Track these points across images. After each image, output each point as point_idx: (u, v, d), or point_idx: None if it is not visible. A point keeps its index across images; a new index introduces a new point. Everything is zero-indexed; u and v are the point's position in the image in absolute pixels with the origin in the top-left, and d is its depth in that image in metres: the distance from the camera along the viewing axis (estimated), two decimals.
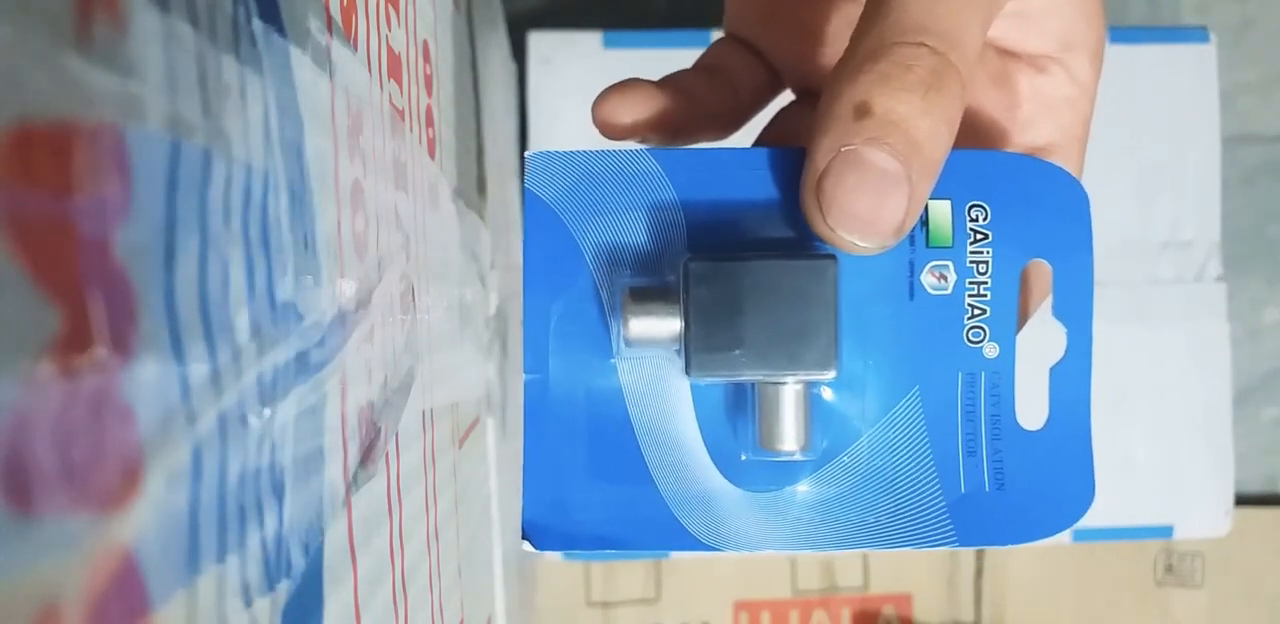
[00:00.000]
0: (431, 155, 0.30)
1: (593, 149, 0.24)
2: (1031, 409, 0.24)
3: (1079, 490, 0.24)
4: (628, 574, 0.81)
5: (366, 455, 0.20)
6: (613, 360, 0.24)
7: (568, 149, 0.23)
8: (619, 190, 0.23)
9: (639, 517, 0.23)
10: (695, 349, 0.22)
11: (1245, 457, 0.84)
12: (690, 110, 0.28)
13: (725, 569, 0.82)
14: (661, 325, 0.22)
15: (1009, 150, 0.26)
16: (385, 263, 0.22)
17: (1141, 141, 0.73)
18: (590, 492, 0.24)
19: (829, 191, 0.21)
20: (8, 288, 0.08)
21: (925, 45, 0.21)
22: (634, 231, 0.23)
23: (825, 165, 0.21)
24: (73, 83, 0.09)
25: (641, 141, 0.28)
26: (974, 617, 0.84)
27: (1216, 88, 0.75)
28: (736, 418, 0.24)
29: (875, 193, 0.21)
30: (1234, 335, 0.77)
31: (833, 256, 0.22)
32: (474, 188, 0.44)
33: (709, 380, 0.23)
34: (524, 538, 0.24)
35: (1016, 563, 0.83)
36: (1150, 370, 0.74)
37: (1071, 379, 0.24)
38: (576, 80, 0.73)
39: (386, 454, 0.21)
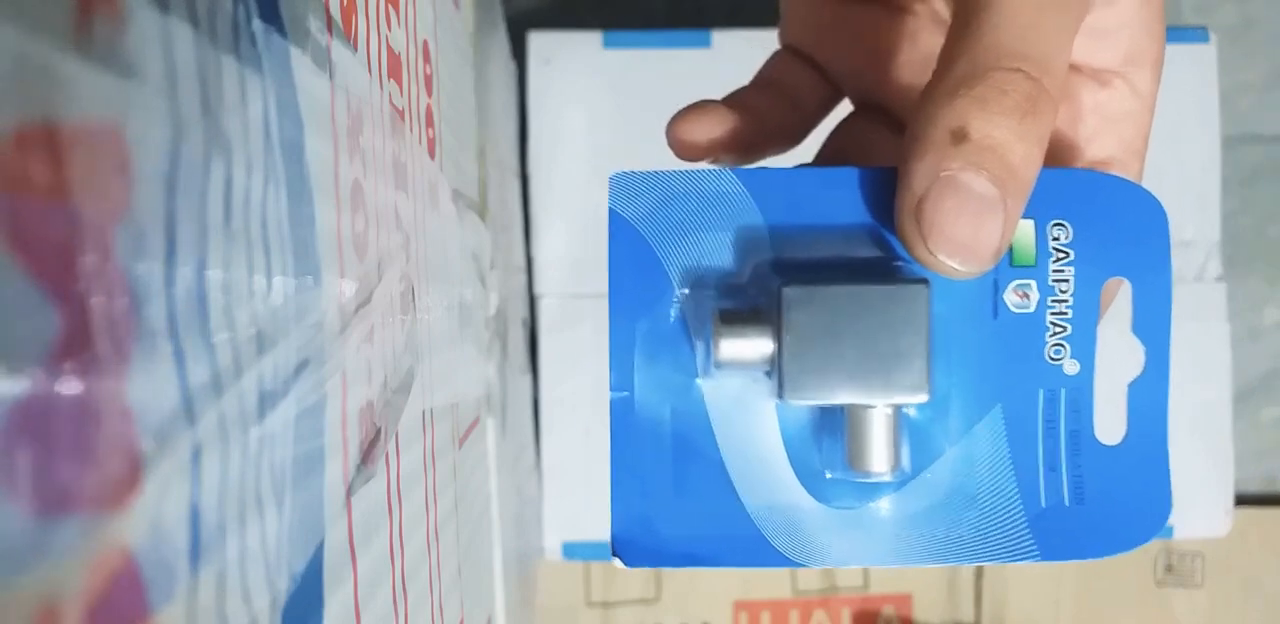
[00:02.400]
0: (431, 155, 0.30)
1: (676, 169, 0.24)
2: (1110, 424, 0.24)
3: (1157, 503, 0.24)
4: (628, 574, 0.81)
5: (366, 455, 0.20)
6: (698, 380, 0.24)
7: (650, 169, 0.24)
8: (702, 210, 0.24)
9: (725, 533, 0.24)
10: (790, 373, 0.22)
11: (1245, 457, 0.84)
12: (757, 127, 0.28)
13: (725, 569, 0.82)
14: (752, 348, 0.23)
15: (1074, 163, 0.26)
16: (385, 263, 0.22)
17: None
18: (677, 509, 0.24)
19: (929, 216, 0.21)
20: (8, 288, 0.08)
21: (1020, 70, 0.21)
22: (718, 251, 0.24)
23: (924, 190, 0.21)
24: (73, 83, 0.09)
25: (713, 161, 0.28)
26: (974, 617, 0.84)
27: (1216, 88, 0.75)
28: (822, 437, 0.24)
29: (974, 218, 0.21)
30: (1234, 335, 0.77)
31: (925, 281, 0.23)
32: (474, 188, 0.44)
33: (802, 404, 0.23)
34: (614, 554, 0.24)
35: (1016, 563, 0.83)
36: None
37: (1149, 395, 0.24)
38: (576, 80, 0.73)
39: (386, 454, 0.21)
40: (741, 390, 0.24)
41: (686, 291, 0.24)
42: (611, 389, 0.24)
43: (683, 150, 0.27)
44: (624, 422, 0.24)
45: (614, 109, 0.73)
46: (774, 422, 0.24)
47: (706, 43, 0.72)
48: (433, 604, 0.27)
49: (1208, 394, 0.75)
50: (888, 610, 0.84)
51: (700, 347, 0.24)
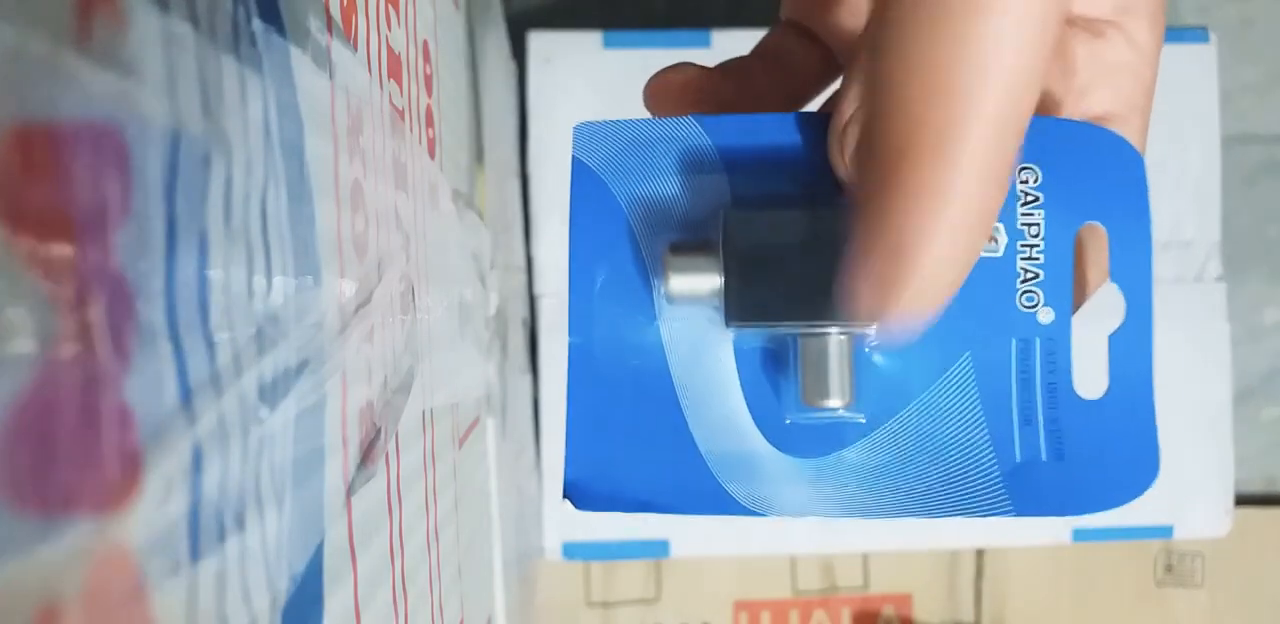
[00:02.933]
0: (431, 155, 0.30)
1: (639, 118, 0.24)
2: (1091, 378, 0.23)
3: (1143, 463, 0.23)
4: (628, 574, 0.81)
5: (366, 455, 0.20)
6: (657, 324, 0.23)
7: (614, 119, 0.23)
8: (663, 155, 0.23)
9: (682, 480, 0.23)
10: (734, 297, 0.22)
11: (1245, 457, 0.84)
12: (743, 90, 0.27)
13: (725, 569, 0.82)
14: (703, 280, 0.22)
15: (1062, 116, 0.25)
16: (385, 263, 0.22)
17: None
18: (633, 455, 0.23)
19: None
20: (8, 287, 0.08)
21: None
22: (678, 194, 0.23)
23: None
24: (73, 83, 0.09)
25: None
26: (974, 617, 0.84)
27: (1216, 88, 0.75)
28: (780, 381, 0.23)
29: None
30: (1234, 335, 0.77)
31: None
32: (474, 188, 0.44)
33: (750, 330, 0.23)
34: (565, 497, 0.23)
35: (1016, 563, 0.83)
36: None
37: (1132, 347, 0.23)
38: (576, 80, 0.73)
39: (386, 454, 0.21)
40: (700, 335, 0.23)
41: (647, 234, 0.23)
42: (570, 333, 0.23)
43: (657, 104, 0.27)
44: (582, 366, 0.23)
45: (614, 109, 0.72)
46: (732, 366, 0.23)
47: (706, 43, 0.72)
48: (433, 604, 0.27)
49: (1208, 394, 0.75)
50: (888, 610, 0.84)
51: (658, 288, 0.23)
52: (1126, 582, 0.83)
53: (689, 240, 0.23)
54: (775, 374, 0.23)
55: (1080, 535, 0.76)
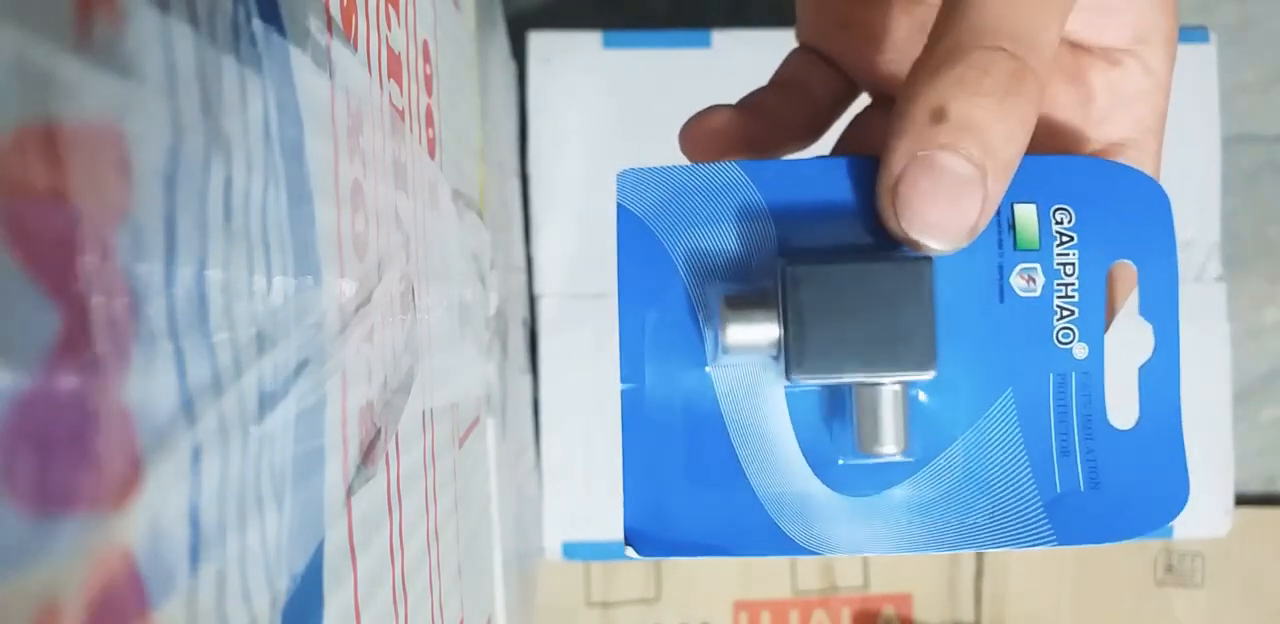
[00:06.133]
0: (431, 155, 0.30)
1: (681, 164, 0.24)
2: (1122, 408, 0.24)
3: (1173, 488, 0.24)
4: (628, 574, 0.81)
5: (366, 455, 0.20)
6: (707, 369, 0.24)
7: (658, 165, 0.24)
8: (708, 202, 0.24)
9: (738, 522, 0.24)
10: (796, 351, 0.22)
11: (1245, 457, 0.84)
12: (770, 127, 0.28)
13: (725, 569, 0.82)
14: (759, 331, 0.23)
15: (1084, 146, 0.26)
16: (385, 263, 0.22)
17: None
18: (689, 498, 0.24)
19: (904, 196, 0.21)
20: (8, 288, 0.08)
21: (1003, 49, 0.21)
22: (724, 241, 0.24)
23: (900, 170, 0.21)
24: (73, 83, 0.09)
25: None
26: (974, 617, 0.84)
27: (1216, 88, 0.75)
28: (832, 423, 0.24)
29: (949, 197, 0.21)
30: (1234, 335, 0.77)
31: (928, 259, 0.23)
32: (474, 188, 0.44)
33: (810, 382, 0.23)
34: (627, 544, 0.24)
35: (1016, 563, 0.83)
36: None
37: (1160, 377, 0.24)
38: (576, 80, 0.73)
39: (386, 454, 0.21)
40: (751, 379, 0.24)
41: (695, 281, 0.24)
42: (622, 380, 0.24)
43: (694, 152, 0.27)
44: (635, 412, 0.24)
45: (614, 109, 0.73)
46: (784, 409, 0.24)
47: (706, 43, 0.72)
48: (433, 604, 0.27)
49: (1208, 394, 0.75)
50: (888, 610, 0.84)
51: (709, 335, 0.24)
52: (1126, 582, 0.83)
53: (744, 293, 0.23)
54: (826, 415, 0.24)
55: None
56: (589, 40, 0.73)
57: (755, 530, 0.24)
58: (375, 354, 0.20)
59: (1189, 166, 0.75)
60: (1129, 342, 0.26)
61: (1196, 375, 0.75)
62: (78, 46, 0.09)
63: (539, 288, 0.74)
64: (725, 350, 0.23)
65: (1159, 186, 0.24)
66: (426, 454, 0.27)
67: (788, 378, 0.23)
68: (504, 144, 0.64)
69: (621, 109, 0.72)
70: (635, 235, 0.24)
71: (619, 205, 0.24)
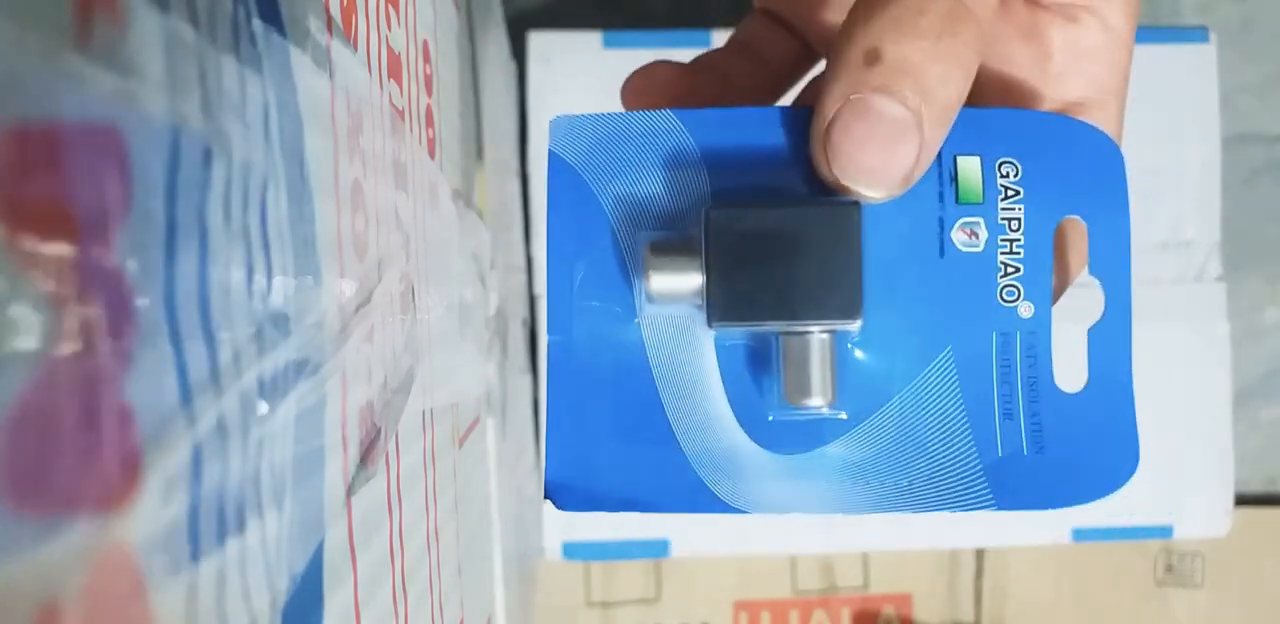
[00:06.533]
0: (431, 155, 0.30)
1: (616, 112, 0.23)
2: (1070, 371, 0.23)
3: (1122, 456, 0.23)
4: (628, 574, 0.81)
5: (366, 455, 0.20)
6: (636, 321, 0.23)
7: (591, 113, 0.23)
8: (642, 149, 0.23)
9: (664, 478, 0.23)
10: (717, 297, 0.22)
11: (1245, 457, 0.83)
12: (722, 86, 0.27)
13: (725, 569, 0.82)
14: (683, 279, 0.22)
15: (1042, 106, 0.25)
16: (385, 263, 0.22)
17: (1141, 142, 0.73)
18: (615, 453, 0.23)
19: (836, 141, 0.21)
20: (8, 288, 0.08)
21: None
22: (656, 189, 0.23)
23: (833, 114, 0.21)
24: (73, 83, 0.09)
25: None
26: (974, 617, 0.84)
27: (1216, 88, 0.75)
28: (762, 378, 0.23)
29: (883, 142, 0.21)
30: (1234, 335, 0.77)
31: (857, 203, 0.22)
32: (474, 188, 0.44)
33: (732, 330, 0.23)
34: (546, 497, 0.23)
35: (1016, 563, 0.83)
36: (1150, 370, 0.74)
37: (1111, 340, 0.23)
38: (576, 80, 0.73)
39: (386, 454, 0.21)
40: (681, 331, 0.23)
41: (626, 230, 0.23)
42: (549, 332, 0.23)
43: (634, 103, 0.27)
44: (562, 365, 0.23)
45: (614, 109, 0.72)
46: (714, 363, 0.23)
47: (706, 43, 0.72)
48: (433, 604, 0.27)
49: (1208, 394, 0.75)
50: (888, 610, 0.84)
51: (638, 283, 0.23)
52: (1126, 582, 0.83)
53: (669, 238, 0.23)
54: (757, 371, 0.23)
55: (1080, 535, 0.76)
56: (589, 40, 0.73)
57: (681, 487, 0.23)
58: (375, 354, 0.20)
59: (1189, 166, 0.75)
60: (1078, 301, 0.25)
61: (1196, 375, 0.75)
62: (78, 46, 0.09)
63: (539, 288, 0.74)
64: (650, 299, 0.22)
65: (1111, 141, 0.23)
66: (426, 454, 0.27)
67: (709, 325, 0.22)
68: (504, 144, 0.64)
69: (621, 109, 0.72)
70: (566, 183, 0.23)
71: (550, 152, 0.23)
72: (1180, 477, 0.75)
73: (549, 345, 0.23)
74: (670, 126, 0.23)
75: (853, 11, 0.21)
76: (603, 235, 0.23)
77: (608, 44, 0.73)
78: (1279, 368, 0.89)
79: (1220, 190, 0.76)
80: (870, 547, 0.79)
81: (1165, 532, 0.75)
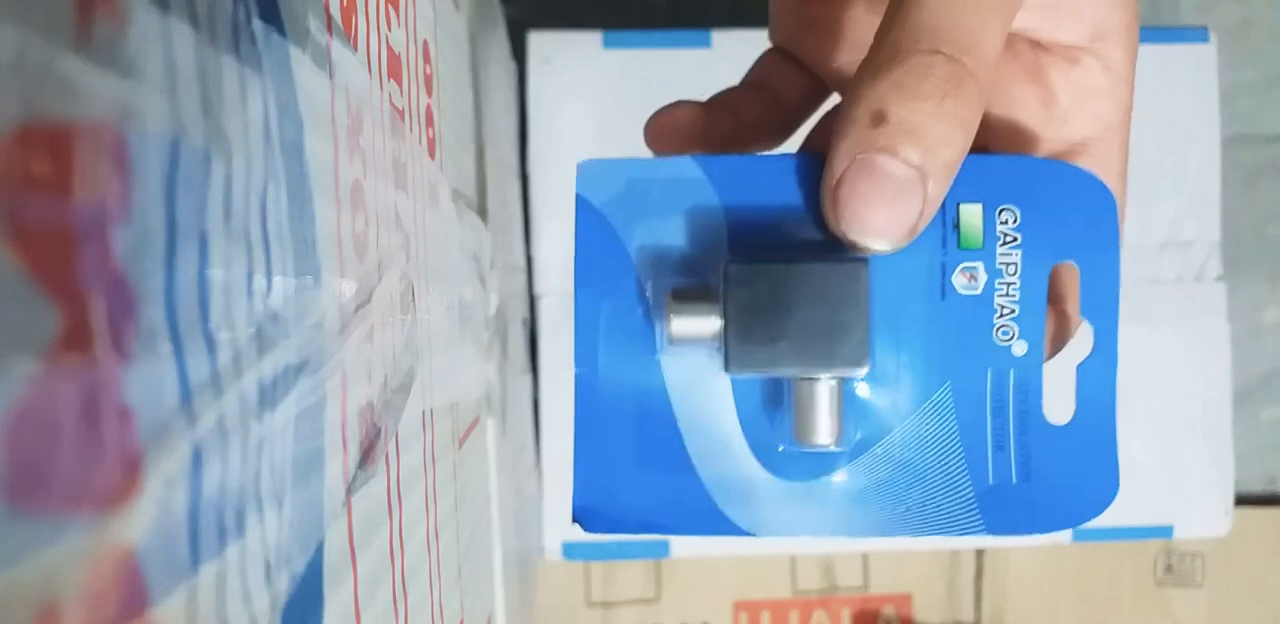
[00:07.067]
0: (431, 155, 0.30)
1: (640, 157, 0.25)
2: (1058, 405, 0.25)
3: (1103, 483, 0.25)
4: (628, 574, 0.81)
5: (366, 455, 0.20)
6: (657, 356, 0.25)
7: (617, 157, 0.25)
8: (663, 195, 0.25)
9: (682, 503, 0.25)
10: (734, 346, 0.23)
11: (1245, 457, 0.84)
12: (736, 124, 0.28)
13: (725, 569, 0.82)
14: (702, 324, 0.24)
15: (1048, 145, 0.26)
16: (385, 263, 0.22)
17: (1141, 142, 0.73)
18: (636, 479, 0.25)
19: (844, 198, 0.22)
20: (8, 288, 0.08)
21: (940, 52, 0.21)
22: (677, 235, 0.25)
23: (841, 172, 0.22)
24: (73, 83, 0.09)
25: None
26: (974, 617, 0.84)
27: (1216, 88, 0.75)
28: (774, 411, 0.25)
29: (888, 200, 0.22)
30: (1234, 335, 0.77)
31: (864, 260, 0.23)
32: (474, 188, 0.44)
33: (747, 376, 0.24)
34: (575, 521, 0.25)
35: (1016, 563, 0.83)
36: (1150, 370, 0.74)
37: (1097, 376, 0.25)
38: (576, 80, 0.73)
39: (386, 454, 0.21)
40: (699, 367, 0.25)
41: (648, 272, 0.25)
42: (576, 364, 0.25)
43: (656, 144, 0.28)
44: (587, 395, 0.25)
45: (614, 109, 0.73)
46: (729, 397, 0.25)
47: (706, 43, 0.72)
48: (433, 604, 0.27)
49: (1208, 394, 0.75)
50: (888, 610, 0.84)
51: (659, 325, 0.25)
52: (1126, 582, 0.83)
53: (690, 287, 0.24)
54: (769, 403, 0.25)
55: (1080, 535, 0.76)
56: (589, 40, 0.73)
57: (698, 512, 0.25)
58: (375, 354, 0.20)
59: (1189, 166, 0.75)
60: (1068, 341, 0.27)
61: (1196, 375, 0.75)
62: (78, 46, 0.09)
63: (539, 288, 0.74)
64: (670, 341, 0.24)
65: (1105, 188, 0.24)
66: (426, 454, 0.27)
67: (726, 371, 0.23)
68: (504, 144, 0.64)
69: (621, 109, 0.72)
70: (593, 226, 0.25)
71: (578, 195, 0.25)
72: (1180, 477, 0.75)
73: (575, 377, 0.25)
74: (691, 174, 0.25)
75: (861, 70, 0.22)
76: (627, 276, 0.25)
77: (608, 44, 0.73)
78: (1279, 368, 0.89)
79: (1220, 190, 0.76)
80: (870, 547, 0.79)
81: (1165, 532, 0.75)
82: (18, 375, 0.08)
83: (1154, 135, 0.73)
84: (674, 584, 0.82)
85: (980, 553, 0.83)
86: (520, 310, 0.67)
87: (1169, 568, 0.84)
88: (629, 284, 0.25)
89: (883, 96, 0.21)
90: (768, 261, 0.23)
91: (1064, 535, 0.76)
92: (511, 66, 0.74)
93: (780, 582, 0.83)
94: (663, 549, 0.75)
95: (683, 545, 0.74)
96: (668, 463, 0.25)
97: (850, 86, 0.22)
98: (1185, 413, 0.75)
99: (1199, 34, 0.75)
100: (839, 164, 0.22)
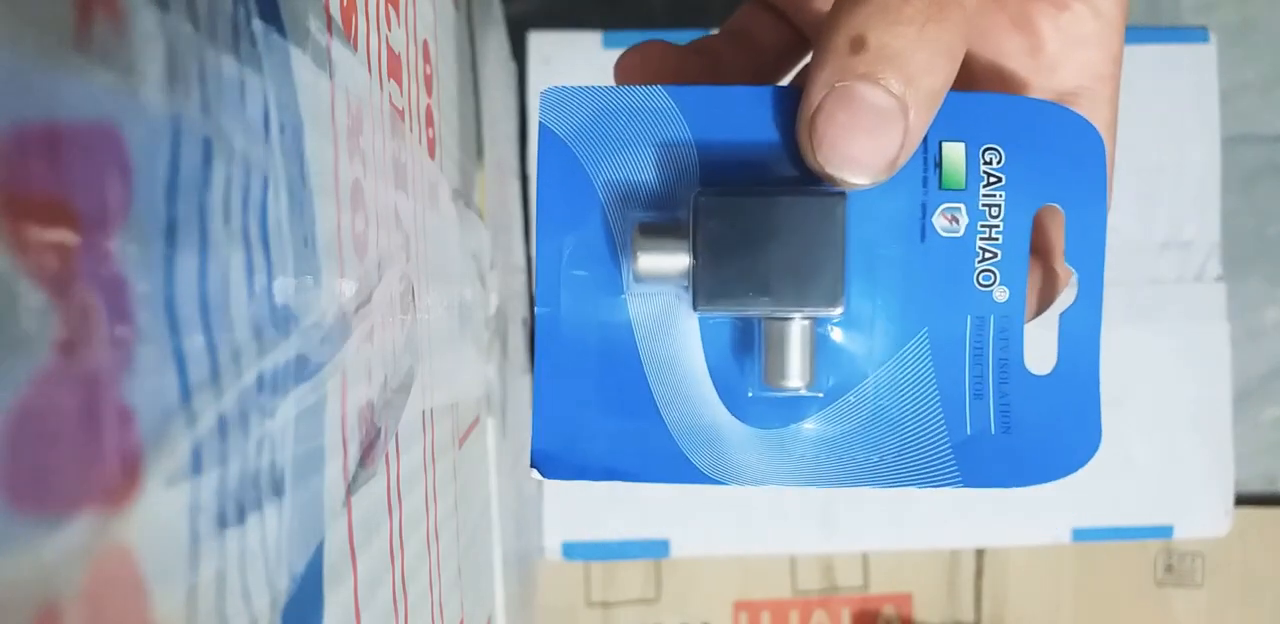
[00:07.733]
0: (431, 155, 0.30)
1: (609, 85, 0.24)
2: (1040, 354, 0.24)
3: (1085, 436, 0.24)
4: (628, 574, 0.81)
5: (366, 455, 0.20)
6: (623, 296, 0.24)
7: (584, 85, 0.23)
8: (633, 126, 0.23)
9: (646, 449, 0.24)
10: (702, 283, 0.22)
11: (1245, 457, 0.83)
12: (712, 70, 0.27)
13: (725, 569, 0.82)
14: (670, 261, 0.22)
15: (1036, 95, 0.25)
16: (385, 263, 0.22)
17: (1141, 141, 0.73)
18: (599, 424, 0.24)
19: (820, 129, 0.21)
20: (8, 288, 0.08)
21: None
22: (647, 167, 0.23)
23: (819, 101, 0.21)
24: (73, 83, 0.09)
25: None
26: (974, 617, 0.84)
27: (1216, 88, 0.75)
28: (744, 355, 0.24)
29: (867, 130, 0.21)
30: (1234, 335, 0.77)
31: (842, 194, 0.22)
32: (474, 188, 0.44)
33: (716, 315, 0.23)
34: (533, 466, 0.24)
35: (1016, 563, 0.83)
36: (1150, 370, 0.74)
37: (1081, 325, 0.24)
38: (576, 80, 0.73)
39: (386, 454, 0.21)
40: (666, 308, 0.24)
41: (615, 207, 0.23)
42: (537, 304, 0.24)
43: (624, 79, 0.27)
44: (549, 337, 0.24)
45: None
46: (697, 339, 0.24)
47: None
48: (433, 604, 0.27)
49: (1208, 394, 0.75)
50: (888, 610, 0.84)
51: (625, 262, 0.23)
52: (1126, 582, 0.83)
53: (658, 221, 0.23)
54: (739, 348, 0.24)
55: (1080, 535, 0.76)
56: (589, 40, 0.73)
57: (663, 458, 0.24)
58: (375, 354, 0.20)
59: (1189, 166, 0.75)
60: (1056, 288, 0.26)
61: (1196, 375, 0.75)
62: (78, 46, 0.09)
63: None
64: (637, 279, 0.23)
65: (1094, 130, 0.23)
66: (426, 454, 0.27)
67: (694, 309, 0.22)
68: (504, 144, 0.64)
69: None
70: (557, 157, 0.23)
71: (541, 125, 0.23)
72: (1180, 476, 0.75)
73: (536, 317, 0.24)
74: (661, 103, 0.23)
75: None
76: (592, 211, 0.23)
77: (608, 44, 0.73)
78: (1279, 368, 0.89)
79: (1220, 190, 0.76)
80: (870, 547, 0.79)
81: (1165, 532, 0.75)
82: (18, 375, 0.08)
83: (1154, 135, 0.73)
84: (674, 584, 0.82)
85: (980, 553, 0.83)
86: (520, 310, 0.67)
87: (1169, 568, 0.84)
88: (595, 220, 0.23)
89: (863, 22, 0.20)
90: (740, 194, 0.22)
91: (1064, 535, 0.76)
92: (511, 66, 0.74)
93: (780, 582, 0.83)
94: (663, 549, 0.74)
95: (682, 545, 0.74)
96: (632, 407, 0.24)
97: (829, 13, 0.21)
98: (1185, 413, 0.75)
99: (1199, 34, 0.75)
100: (816, 93, 0.21)
